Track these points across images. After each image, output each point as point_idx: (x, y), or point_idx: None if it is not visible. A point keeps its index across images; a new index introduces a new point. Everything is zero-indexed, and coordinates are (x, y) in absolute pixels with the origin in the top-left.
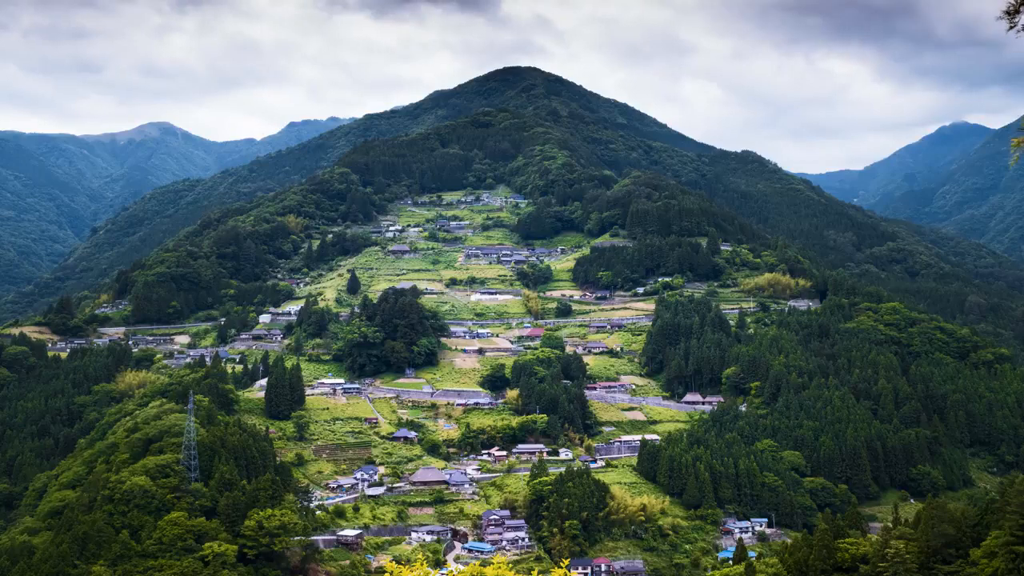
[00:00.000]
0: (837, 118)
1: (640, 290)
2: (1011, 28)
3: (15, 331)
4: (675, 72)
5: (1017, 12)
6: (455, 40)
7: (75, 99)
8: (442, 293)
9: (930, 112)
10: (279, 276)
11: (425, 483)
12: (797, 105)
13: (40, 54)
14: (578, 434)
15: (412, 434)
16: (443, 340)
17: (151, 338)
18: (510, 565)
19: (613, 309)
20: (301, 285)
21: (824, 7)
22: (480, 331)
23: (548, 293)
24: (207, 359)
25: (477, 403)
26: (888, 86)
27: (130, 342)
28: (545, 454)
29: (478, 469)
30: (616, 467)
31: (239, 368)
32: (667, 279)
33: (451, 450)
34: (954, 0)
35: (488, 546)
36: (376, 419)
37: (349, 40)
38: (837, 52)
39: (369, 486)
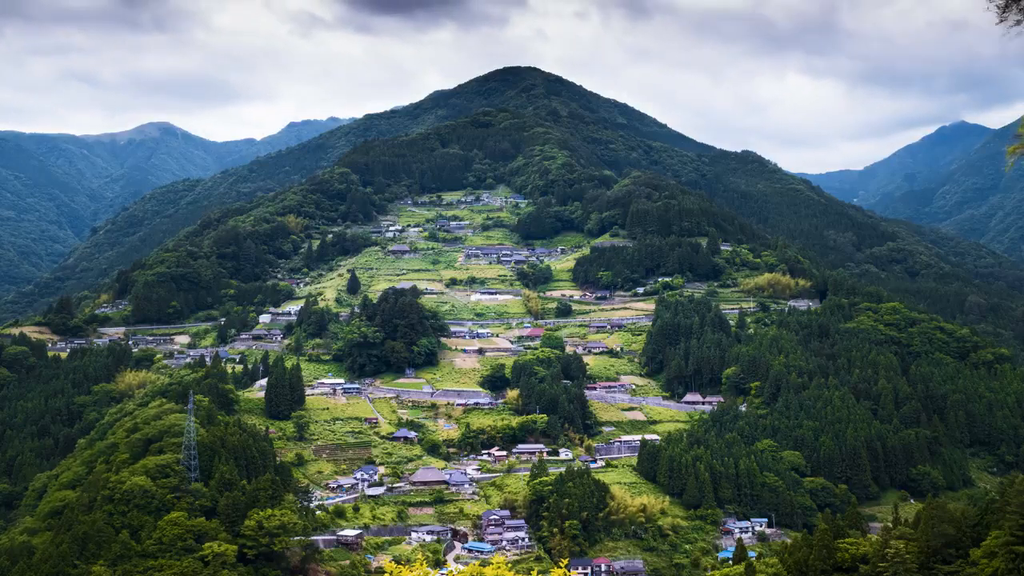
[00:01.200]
0: (797, 130)
1: (640, 290)
2: (1000, 22)
3: (15, 331)
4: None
5: (1008, 7)
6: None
7: (69, 110)
8: (442, 293)
9: (899, 119)
10: (279, 276)
11: (425, 483)
12: (746, 117)
13: (28, 70)
14: (578, 434)
15: (412, 434)
16: (443, 340)
17: (151, 338)
18: (510, 565)
19: (613, 309)
20: (301, 285)
21: (749, 32)
22: (480, 331)
23: (548, 293)
24: (207, 359)
25: (477, 403)
26: (841, 97)
27: (130, 342)
28: (545, 454)
29: (478, 469)
30: (616, 467)
31: (239, 368)
32: (667, 279)
33: (451, 450)
34: (874, 26)
35: (488, 546)
36: (376, 419)
37: (337, 56)
38: (780, 71)
39: (369, 486)
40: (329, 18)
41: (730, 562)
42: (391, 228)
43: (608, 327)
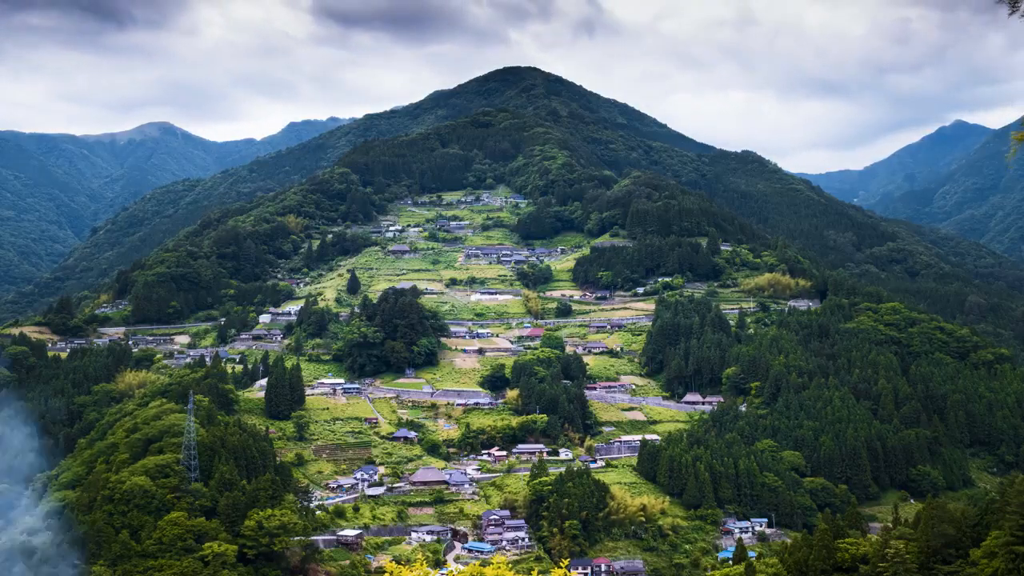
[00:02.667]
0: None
1: (640, 290)
2: (1012, 12)
3: (15, 331)
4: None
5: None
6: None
7: (66, 124)
8: (442, 293)
9: (872, 124)
10: (279, 276)
11: (425, 483)
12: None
13: (17, 88)
14: (578, 434)
15: (412, 434)
16: (443, 340)
17: (151, 338)
18: (510, 565)
19: (613, 309)
20: (301, 285)
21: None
22: (480, 331)
23: (548, 293)
24: (207, 359)
25: (477, 403)
26: (798, 108)
27: (130, 342)
28: (545, 454)
29: (478, 469)
30: (616, 467)
31: (239, 368)
32: (667, 279)
33: (451, 450)
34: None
35: (488, 546)
36: (376, 419)
37: (325, 68)
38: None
39: (369, 486)
40: (303, 35)
41: (730, 562)
42: (391, 228)
43: (608, 327)
